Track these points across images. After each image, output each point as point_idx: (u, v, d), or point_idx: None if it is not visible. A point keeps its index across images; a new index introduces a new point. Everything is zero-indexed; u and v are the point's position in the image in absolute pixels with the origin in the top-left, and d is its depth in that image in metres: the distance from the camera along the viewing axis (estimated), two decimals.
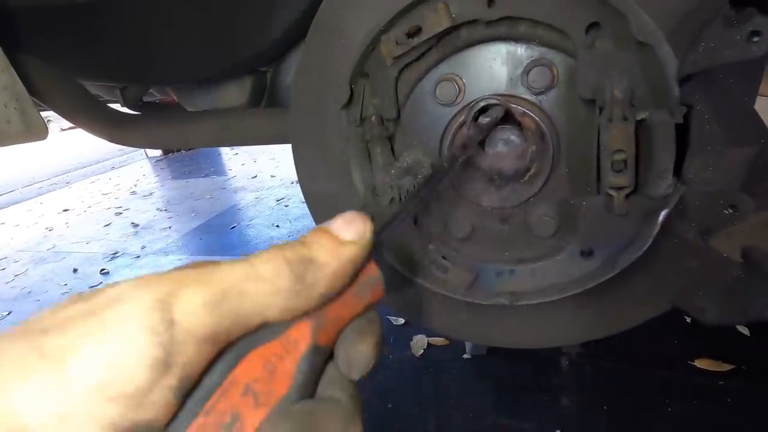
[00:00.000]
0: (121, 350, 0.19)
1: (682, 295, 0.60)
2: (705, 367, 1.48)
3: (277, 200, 3.93)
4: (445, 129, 0.60)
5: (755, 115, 0.66)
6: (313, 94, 0.63)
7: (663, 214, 0.48)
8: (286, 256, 0.24)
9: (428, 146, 0.61)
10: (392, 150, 0.62)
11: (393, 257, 0.61)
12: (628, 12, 0.43)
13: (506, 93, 0.56)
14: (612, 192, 0.50)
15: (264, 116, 1.29)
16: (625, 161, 0.47)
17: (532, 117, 0.56)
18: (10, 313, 2.80)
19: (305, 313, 0.25)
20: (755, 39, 0.49)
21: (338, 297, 0.27)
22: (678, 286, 0.59)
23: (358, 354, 0.27)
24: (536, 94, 0.55)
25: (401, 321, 1.97)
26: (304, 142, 0.67)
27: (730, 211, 0.57)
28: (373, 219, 0.30)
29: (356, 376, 0.27)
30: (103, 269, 3.19)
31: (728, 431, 1.27)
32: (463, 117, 0.59)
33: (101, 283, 3.00)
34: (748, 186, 0.60)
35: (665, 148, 0.46)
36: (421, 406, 1.54)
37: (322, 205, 0.70)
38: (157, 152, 7.09)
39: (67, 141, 10.53)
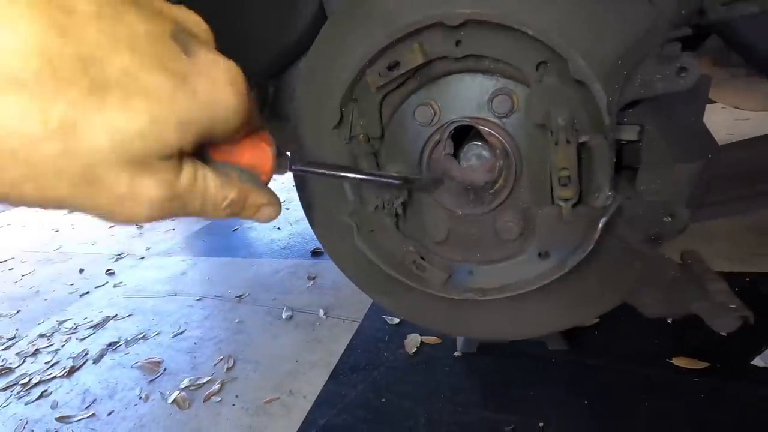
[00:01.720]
0: (19, 35, 0.20)
1: (629, 292, 0.69)
2: (682, 365, 1.56)
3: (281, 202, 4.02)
4: (424, 146, 0.69)
5: (703, 133, 0.75)
6: (311, 116, 0.72)
7: (602, 221, 0.57)
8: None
9: (409, 161, 0.70)
10: (377, 164, 0.71)
11: (378, 257, 0.70)
12: (567, 56, 0.52)
13: (475, 116, 0.65)
14: (560, 202, 0.59)
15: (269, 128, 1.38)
16: (569, 177, 0.56)
17: (497, 137, 0.65)
18: (18, 311, 2.90)
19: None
20: (683, 74, 0.58)
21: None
22: (627, 284, 0.68)
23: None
24: (500, 117, 0.64)
25: (396, 321, 2.05)
26: (303, 157, 0.77)
27: (669, 219, 0.66)
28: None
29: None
30: (108, 269, 3.28)
31: (701, 425, 1.35)
32: (438, 136, 0.68)
33: (107, 283, 3.09)
34: (696, 197, 0.68)
35: (602, 166, 0.55)
36: (413, 401, 1.62)
37: (318, 212, 0.79)
38: None
39: None
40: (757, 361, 1.53)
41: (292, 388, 1.78)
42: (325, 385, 1.75)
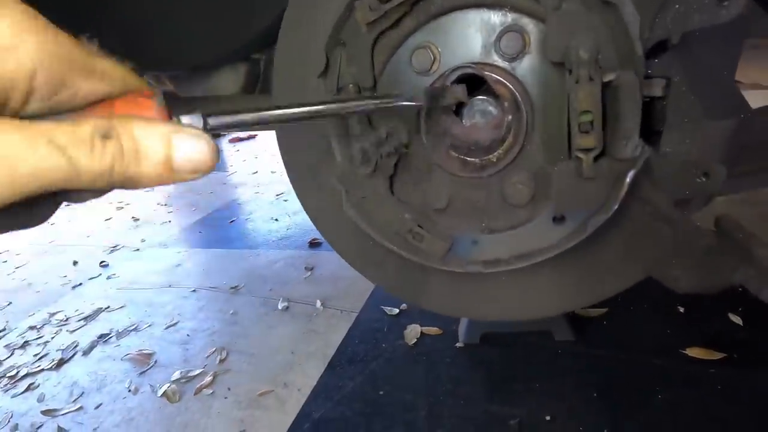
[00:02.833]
0: None
1: (655, 264, 0.60)
2: (696, 356, 1.48)
3: (277, 195, 3.94)
4: None
5: (735, 89, 0.66)
6: (293, 65, 0.64)
7: (630, 175, 0.49)
8: (113, 167, 0.23)
9: (405, 115, 0.62)
10: (369, 119, 0.62)
11: (368, 226, 0.62)
12: None
13: (481, 61, 0.57)
14: (580, 155, 0.50)
15: (256, 102, 1.30)
16: (591, 122, 0.48)
17: (506, 85, 0.57)
18: (10, 303, 2.83)
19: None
20: (724, 3, 0.50)
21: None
22: (652, 256, 0.60)
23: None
24: (509, 60, 0.55)
25: (395, 311, 1.98)
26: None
27: (703, 179, 0.57)
28: None
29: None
30: (102, 261, 3.21)
31: (717, 418, 1.27)
32: (439, 86, 0.59)
33: (100, 275, 3.02)
34: (727, 163, 0.60)
35: (631, 108, 0.47)
36: (413, 394, 1.55)
37: (303, 177, 0.71)
38: None
39: None
40: None
41: (287, 380, 1.71)
42: (321, 377, 1.68)
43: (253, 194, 4.15)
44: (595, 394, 1.43)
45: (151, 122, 0.25)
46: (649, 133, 0.58)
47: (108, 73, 0.26)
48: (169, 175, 0.24)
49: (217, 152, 0.26)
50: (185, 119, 0.27)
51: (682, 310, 1.70)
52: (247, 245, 3.10)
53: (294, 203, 3.79)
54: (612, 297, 0.66)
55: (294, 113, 0.34)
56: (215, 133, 0.27)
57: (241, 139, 6.94)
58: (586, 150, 0.50)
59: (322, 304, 2.15)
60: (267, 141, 6.28)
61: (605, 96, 0.49)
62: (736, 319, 1.59)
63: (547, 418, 1.38)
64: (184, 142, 0.24)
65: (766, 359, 1.43)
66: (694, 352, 1.50)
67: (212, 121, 0.28)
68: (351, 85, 0.60)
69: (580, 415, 1.37)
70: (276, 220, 3.38)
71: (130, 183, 0.23)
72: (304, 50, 0.61)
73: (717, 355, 1.47)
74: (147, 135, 0.23)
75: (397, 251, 0.61)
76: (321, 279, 2.42)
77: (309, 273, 2.51)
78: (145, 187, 0.24)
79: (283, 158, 0.72)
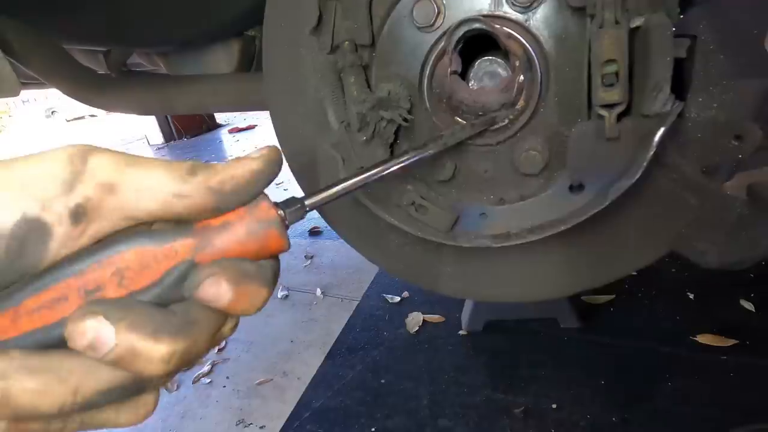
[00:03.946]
0: (41, 167, 0.23)
1: (680, 237, 0.55)
2: (707, 343, 1.43)
3: (276, 184, 3.89)
4: (426, 57, 0.56)
5: (765, 49, 0.60)
6: (282, 19, 0.59)
7: (659, 133, 0.43)
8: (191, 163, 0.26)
9: (407, 77, 0.57)
10: (368, 81, 0.57)
11: (367, 198, 0.57)
12: None
13: (490, 13, 0.51)
14: (603, 112, 0.45)
15: (252, 81, 1.24)
16: (617, 74, 0.43)
17: (519, 40, 0.51)
18: None
19: (194, 229, 0.25)
20: None
21: (229, 226, 0.26)
22: (676, 228, 0.55)
23: (222, 288, 0.24)
24: (522, 11, 0.50)
25: (397, 299, 1.94)
26: (277, 78, 0.63)
27: (735, 143, 0.52)
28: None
29: (221, 306, 0.25)
30: None
31: (729, 406, 1.23)
32: (443, 43, 0.54)
33: None
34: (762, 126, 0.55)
35: (662, 55, 0.42)
36: (414, 382, 1.51)
37: (295, 144, 0.66)
38: (159, 140, 7.06)
39: (71, 131, 10.52)
40: None
41: (286, 369, 1.68)
42: (321, 366, 1.64)
43: None
44: (602, 382, 1.39)
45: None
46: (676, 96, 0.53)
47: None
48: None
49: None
50: (289, 211, 0.30)
51: (692, 296, 1.65)
52: None
53: (293, 192, 3.74)
54: (624, 278, 0.61)
55: (370, 175, 0.35)
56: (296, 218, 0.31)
57: (240, 130, 6.87)
58: (610, 106, 0.44)
59: (322, 292, 2.12)
60: (267, 131, 6.20)
61: (632, 44, 0.43)
62: (748, 305, 1.55)
63: (553, 406, 1.34)
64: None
65: None
66: (704, 338, 1.46)
67: (308, 202, 0.31)
68: (347, 42, 0.55)
69: (587, 403, 1.33)
70: None
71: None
72: (297, 3, 0.55)
73: (728, 342, 1.42)
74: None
75: (399, 225, 0.56)
76: (321, 267, 2.38)
77: (309, 261, 2.47)
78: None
79: (276, 130, 0.67)
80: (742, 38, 0.55)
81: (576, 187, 0.52)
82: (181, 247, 0.25)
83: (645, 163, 0.45)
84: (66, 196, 0.23)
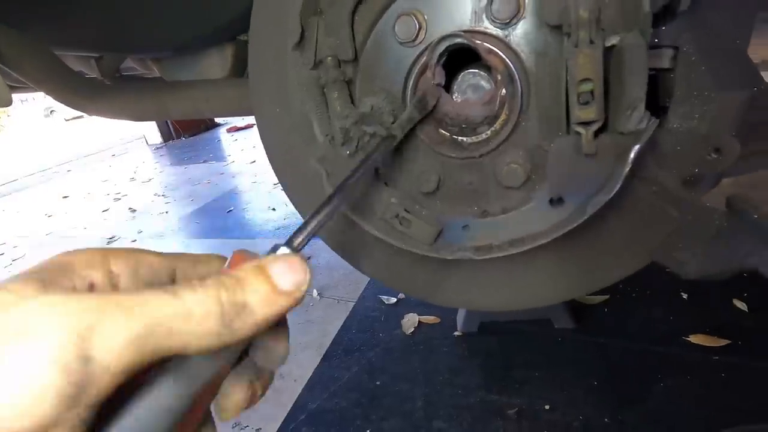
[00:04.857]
0: (28, 385, 0.18)
1: (661, 248, 0.56)
2: (700, 343, 1.44)
3: (274, 184, 3.89)
4: (408, 72, 0.56)
5: (748, 60, 0.61)
6: (268, 36, 0.59)
7: (635, 150, 0.44)
8: (219, 298, 0.24)
9: (391, 91, 0.57)
10: (351, 96, 0.58)
11: (352, 211, 0.58)
12: None
13: (471, 29, 0.52)
14: (580, 129, 0.46)
15: (244, 86, 1.25)
16: (592, 92, 0.43)
17: (499, 54, 0.52)
18: None
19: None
20: None
21: None
22: (658, 239, 0.56)
23: (274, 353, 0.30)
24: (502, 27, 0.50)
25: (392, 300, 1.95)
26: (263, 92, 0.63)
27: (715, 155, 0.53)
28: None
29: (275, 367, 0.31)
30: None
31: (720, 406, 1.24)
32: (426, 57, 0.55)
33: None
34: (744, 136, 0.55)
35: (637, 74, 0.42)
36: (410, 384, 1.52)
37: (285, 161, 0.67)
38: (157, 139, 7.06)
39: (70, 131, 10.52)
40: None
41: (282, 370, 1.68)
42: (317, 367, 1.65)
43: (250, 184, 4.11)
44: (595, 383, 1.41)
45: (244, 262, 0.28)
46: (655, 108, 0.54)
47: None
48: (276, 297, 0.26)
49: (308, 267, 0.28)
50: (279, 251, 0.30)
51: (685, 296, 1.66)
52: (244, 235, 3.07)
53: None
54: (613, 284, 0.61)
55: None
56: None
57: (238, 129, 6.87)
58: (586, 123, 0.45)
59: (318, 293, 2.13)
60: None
61: (607, 63, 0.44)
62: (741, 305, 1.56)
63: (546, 407, 1.35)
64: (277, 264, 0.26)
65: None
66: (697, 339, 1.47)
67: (297, 241, 0.32)
68: (329, 58, 0.55)
69: (580, 404, 1.34)
70: (273, 209, 3.34)
71: (245, 314, 0.24)
72: (280, 19, 0.55)
73: (721, 342, 1.44)
74: (244, 270, 0.26)
75: (383, 238, 0.57)
76: (318, 268, 2.39)
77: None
78: (262, 319, 0.25)
79: (263, 141, 0.68)
80: (723, 50, 0.56)
81: (556, 201, 0.52)
82: (217, 378, 0.27)
83: (621, 179, 0.45)
84: (70, 411, 0.18)
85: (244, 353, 0.31)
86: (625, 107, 0.43)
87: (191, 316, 0.22)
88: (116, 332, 0.20)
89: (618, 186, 0.46)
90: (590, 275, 0.59)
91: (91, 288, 0.26)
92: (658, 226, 0.54)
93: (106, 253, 0.27)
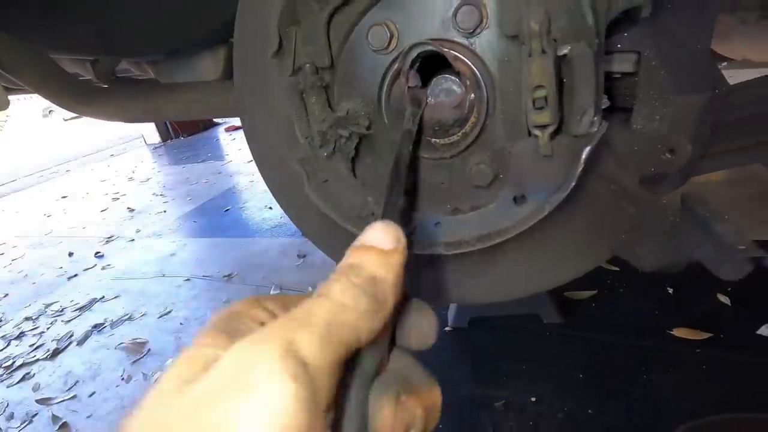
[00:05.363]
0: (279, 405, 0.20)
1: (621, 243, 0.59)
2: (683, 336, 1.48)
3: None
4: (383, 77, 0.59)
5: (710, 63, 0.64)
6: (249, 45, 0.62)
7: (586, 151, 0.47)
8: (353, 282, 0.27)
9: (367, 95, 0.61)
10: (329, 101, 0.61)
11: (331, 209, 0.61)
12: None
13: (439, 37, 0.55)
14: (536, 132, 0.49)
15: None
16: (546, 98, 0.46)
17: (465, 62, 0.55)
18: (6, 295, 2.85)
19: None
20: None
21: None
22: (617, 234, 0.59)
23: (423, 327, 0.33)
24: (467, 36, 0.53)
25: None
26: (247, 97, 0.67)
27: (669, 155, 0.56)
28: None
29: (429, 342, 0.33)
30: (97, 252, 3.22)
31: (703, 397, 1.28)
32: (398, 64, 0.58)
33: (95, 265, 3.03)
34: (700, 136, 0.59)
35: (585, 82, 0.45)
36: None
37: (269, 163, 0.70)
38: (156, 139, 7.09)
39: (69, 131, 10.54)
40: (763, 330, 1.45)
41: None
42: None
43: (248, 183, 4.14)
44: (581, 376, 1.44)
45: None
46: (619, 110, 0.57)
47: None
48: (387, 257, 0.29)
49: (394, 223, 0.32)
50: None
51: (671, 290, 1.70)
52: (241, 234, 3.10)
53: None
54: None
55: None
56: None
57: (237, 128, 6.90)
58: (542, 127, 0.48)
59: (312, 290, 2.16)
60: None
61: (562, 70, 0.47)
62: (725, 299, 1.59)
63: (533, 399, 1.39)
64: (368, 234, 0.31)
65: (750, 338, 1.43)
66: (680, 332, 1.50)
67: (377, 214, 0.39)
68: (308, 65, 0.58)
69: (565, 396, 1.38)
70: (270, 208, 3.38)
71: (378, 283, 0.28)
72: (261, 29, 0.59)
73: (703, 335, 1.47)
74: (347, 255, 0.30)
75: (359, 234, 0.60)
76: (313, 266, 2.42)
77: (301, 260, 2.52)
78: (392, 281, 0.29)
79: (250, 146, 0.71)
80: (683, 54, 0.59)
81: (519, 199, 0.56)
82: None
83: (575, 179, 0.49)
84: (317, 413, 0.21)
85: (391, 343, 0.32)
86: (576, 112, 0.46)
87: (346, 306, 0.25)
88: (309, 337, 0.23)
89: (573, 184, 0.49)
90: (555, 268, 0.62)
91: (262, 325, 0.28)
92: (618, 222, 0.57)
93: (258, 297, 0.31)
